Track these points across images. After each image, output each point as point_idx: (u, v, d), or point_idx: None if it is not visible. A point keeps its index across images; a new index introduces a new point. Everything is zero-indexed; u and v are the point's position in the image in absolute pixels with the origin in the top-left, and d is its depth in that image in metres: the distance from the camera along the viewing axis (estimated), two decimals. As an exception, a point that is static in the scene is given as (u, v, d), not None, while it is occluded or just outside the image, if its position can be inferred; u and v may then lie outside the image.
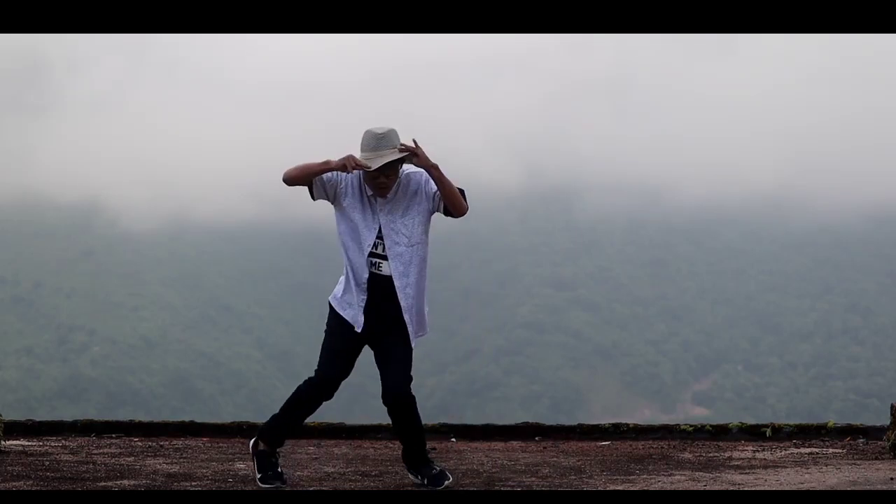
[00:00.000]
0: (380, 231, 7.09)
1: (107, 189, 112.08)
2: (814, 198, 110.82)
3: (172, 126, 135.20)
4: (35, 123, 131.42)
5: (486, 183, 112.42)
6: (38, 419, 10.40)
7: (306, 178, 7.08)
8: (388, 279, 7.09)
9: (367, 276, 7.10)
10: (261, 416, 9.02)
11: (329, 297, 7.30)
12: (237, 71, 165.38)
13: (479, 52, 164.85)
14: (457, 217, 7.24)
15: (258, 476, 7.25)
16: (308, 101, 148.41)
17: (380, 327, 7.16)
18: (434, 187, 7.14)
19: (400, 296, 7.10)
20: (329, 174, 7.10)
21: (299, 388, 7.32)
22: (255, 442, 7.39)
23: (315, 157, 7.14)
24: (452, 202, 7.14)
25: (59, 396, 79.44)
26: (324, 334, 7.29)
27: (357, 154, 7.03)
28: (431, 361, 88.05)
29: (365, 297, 7.11)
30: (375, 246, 7.10)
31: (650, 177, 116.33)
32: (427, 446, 7.46)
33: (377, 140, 7.00)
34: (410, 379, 7.20)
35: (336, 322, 7.24)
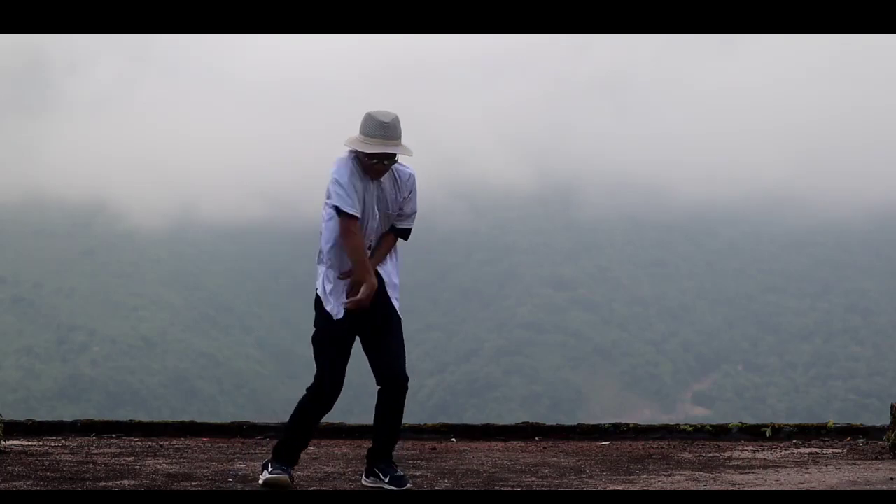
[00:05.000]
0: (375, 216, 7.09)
1: (107, 189, 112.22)
2: (814, 197, 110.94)
3: (173, 125, 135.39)
4: (36, 123, 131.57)
5: (486, 183, 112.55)
6: (38, 419, 10.40)
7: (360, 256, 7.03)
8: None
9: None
10: (261, 416, 9.01)
11: (318, 292, 7.11)
12: (238, 70, 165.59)
13: (479, 52, 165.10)
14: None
15: (270, 467, 7.07)
16: (308, 101, 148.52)
17: (365, 314, 7.02)
18: (407, 205, 7.13)
19: (381, 271, 7.06)
20: (353, 187, 7.02)
21: (304, 403, 7.10)
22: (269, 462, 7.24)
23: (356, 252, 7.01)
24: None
25: (59, 396, 79.46)
26: (315, 340, 7.10)
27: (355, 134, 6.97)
28: (431, 361, 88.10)
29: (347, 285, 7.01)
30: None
31: (650, 176, 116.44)
32: (427, 446, 7.48)
33: (384, 129, 6.94)
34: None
35: (327, 322, 7.04)
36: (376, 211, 7.06)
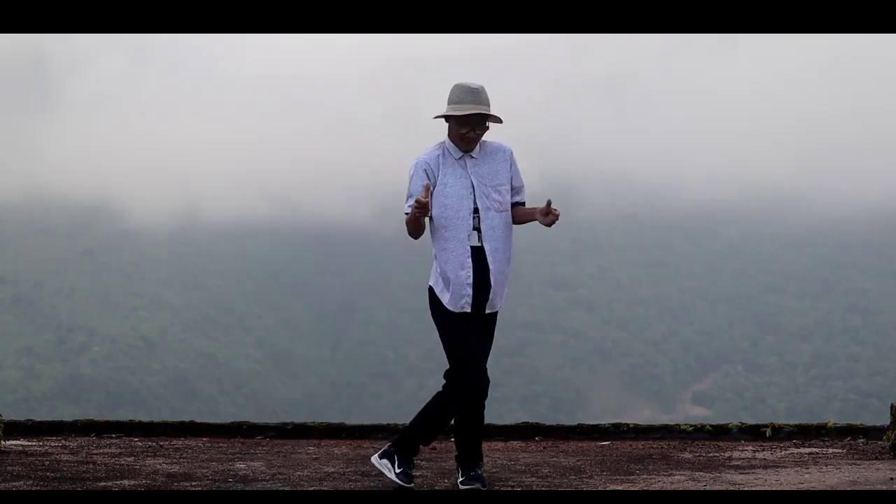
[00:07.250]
0: (473, 198, 7.16)
1: (107, 189, 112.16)
2: (814, 197, 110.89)
3: (173, 125, 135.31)
4: (36, 123, 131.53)
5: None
6: (38, 419, 10.39)
7: (419, 225, 7.11)
8: (480, 249, 7.23)
9: (469, 250, 7.19)
10: (261, 416, 9.00)
11: (432, 285, 7.29)
12: (238, 70, 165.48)
13: (479, 52, 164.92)
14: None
15: (397, 471, 7.12)
16: (308, 101, 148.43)
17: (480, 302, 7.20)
18: (515, 179, 7.35)
19: (489, 259, 7.26)
20: (419, 184, 7.08)
21: (443, 401, 7.23)
22: (386, 453, 7.25)
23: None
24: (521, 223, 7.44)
25: (59, 396, 79.44)
26: (442, 328, 7.20)
27: (444, 108, 7.13)
28: (432, 361, 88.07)
29: (471, 273, 7.17)
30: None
31: (650, 176, 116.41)
32: (429, 446, 7.46)
33: (474, 94, 7.09)
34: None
35: (443, 312, 7.21)
36: (475, 186, 7.15)
